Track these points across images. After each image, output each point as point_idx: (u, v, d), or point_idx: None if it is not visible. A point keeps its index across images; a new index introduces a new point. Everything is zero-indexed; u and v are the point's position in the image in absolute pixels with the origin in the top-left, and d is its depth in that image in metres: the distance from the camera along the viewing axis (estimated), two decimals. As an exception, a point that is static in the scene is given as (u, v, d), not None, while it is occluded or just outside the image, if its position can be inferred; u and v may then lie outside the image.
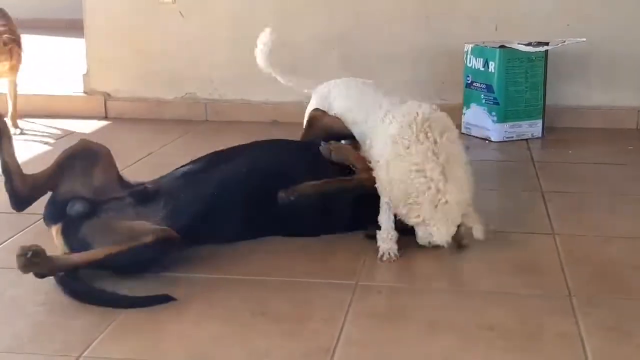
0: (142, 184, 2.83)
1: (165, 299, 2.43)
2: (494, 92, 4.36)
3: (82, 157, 2.81)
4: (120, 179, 2.85)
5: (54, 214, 2.73)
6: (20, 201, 2.75)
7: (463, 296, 2.53)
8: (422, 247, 2.81)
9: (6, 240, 2.98)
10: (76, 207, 2.64)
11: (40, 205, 3.33)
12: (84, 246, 2.56)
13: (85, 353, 2.17)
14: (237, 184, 2.81)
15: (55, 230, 2.69)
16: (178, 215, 2.67)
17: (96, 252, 2.49)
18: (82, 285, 2.48)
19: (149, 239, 2.49)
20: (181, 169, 2.92)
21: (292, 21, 4.76)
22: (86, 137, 4.56)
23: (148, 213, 2.67)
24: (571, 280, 2.59)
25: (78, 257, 2.50)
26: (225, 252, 2.79)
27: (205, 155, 2.97)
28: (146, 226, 2.58)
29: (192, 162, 2.95)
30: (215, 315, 2.39)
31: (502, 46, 4.35)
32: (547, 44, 4.38)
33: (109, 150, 2.88)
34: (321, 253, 2.82)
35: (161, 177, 2.89)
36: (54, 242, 2.67)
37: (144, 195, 2.72)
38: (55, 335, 2.28)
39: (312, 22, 4.80)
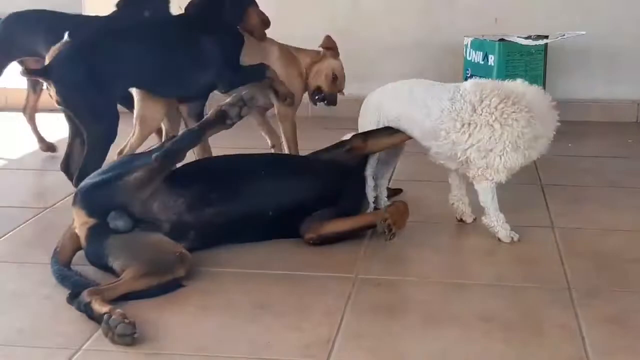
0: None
1: (175, 285, 2.46)
2: (493, 86, 4.35)
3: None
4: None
5: (100, 206, 2.60)
6: None
7: (462, 288, 2.53)
8: (422, 239, 2.84)
9: (7, 234, 2.98)
10: (118, 223, 2.57)
11: (38, 198, 3.35)
12: (100, 255, 2.54)
13: (86, 345, 2.18)
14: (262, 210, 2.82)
15: (81, 218, 2.59)
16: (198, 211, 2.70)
17: (135, 283, 2.42)
18: (83, 279, 2.48)
19: (181, 272, 2.49)
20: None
21: (292, 14, 4.75)
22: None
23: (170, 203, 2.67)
24: (570, 273, 2.60)
25: (124, 288, 2.40)
26: (226, 245, 2.79)
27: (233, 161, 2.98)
28: (170, 249, 2.54)
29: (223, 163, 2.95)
30: (216, 307, 2.40)
31: (501, 39, 4.35)
32: (546, 37, 4.38)
33: None
34: (320, 246, 2.83)
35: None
36: (54, 235, 2.67)
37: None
38: (57, 328, 2.29)
39: (312, 15, 4.80)
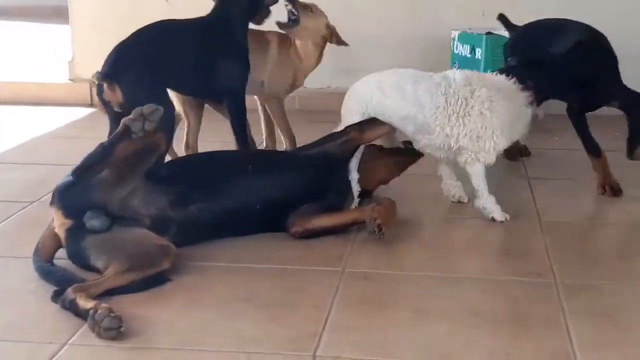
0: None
1: (161, 279, 2.46)
2: (480, 79, 4.36)
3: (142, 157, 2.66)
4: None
5: (76, 206, 2.57)
6: None
7: (449, 282, 2.54)
8: (409, 233, 2.85)
9: (-8, 228, 2.97)
10: (94, 223, 2.54)
11: (25, 192, 3.33)
12: (81, 255, 2.52)
13: (72, 340, 2.17)
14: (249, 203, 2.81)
15: (59, 219, 2.57)
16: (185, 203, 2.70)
17: (120, 278, 2.40)
18: (69, 274, 2.47)
19: (166, 265, 2.48)
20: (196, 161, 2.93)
21: (280, 6, 4.74)
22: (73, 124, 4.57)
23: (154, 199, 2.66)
24: (557, 266, 2.61)
25: (108, 284, 2.39)
26: (212, 240, 2.79)
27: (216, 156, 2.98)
28: (153, 242, 2.53)
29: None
30: (203, 302, 2.39)
31: (489, 33, 4.35)
32: (533, 30, 4.38)
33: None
34: (308, 240, 2.82)
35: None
36: (40, 230, 2.65)
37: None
38: (43, 322, 2.28)
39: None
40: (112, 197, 2.58)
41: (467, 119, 2.92)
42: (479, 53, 4.34)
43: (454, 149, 2.96)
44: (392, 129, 3.08)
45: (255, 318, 2.28)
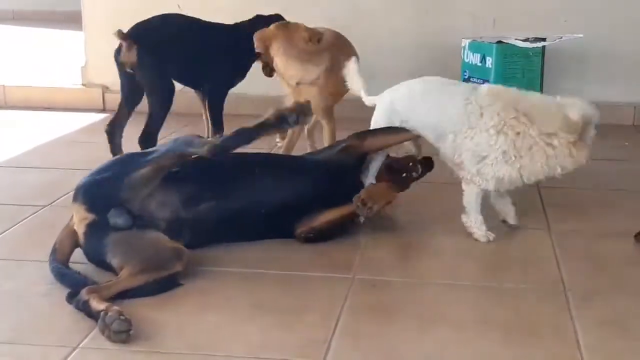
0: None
1: (172, 284, 2.47)
2: (491, 88, 4.36)
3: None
4: None
5: (101, 202, 2.58)
6: None
7: (458, 290, 2.54)
8: (418, 241, 2.87)
9: (4, 231, 2.99)
10: (119, 220, 2.56)
11: (37, 195, 3.35)
12: (99, 251, 2.54)
13: (83, 343, 2.18)
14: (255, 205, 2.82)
15: (81, 213, 2.58)
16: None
17: (133, 280, 2.43)
18: (82, 277, 2.49)
19: (179, 267, 2.51)
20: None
21: (291, 14, 4.75)
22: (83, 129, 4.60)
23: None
24: (566, 275, 2.61)
25: (121, 286, 2.41)
26: (223, 245, 2.80)
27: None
28: (167, 245, 2.55)
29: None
30: (213, 306, 2.40)
31: (499, 41, 4.36)
32: (544, 39, 4.39)
33: None
34: (318, 247, 2.83)
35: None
36: (52, 233, 2.67)
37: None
38: (54, 326, 2.29)
39: (310, 15, 4.80)
40: (136, 196, 2.60)
41: (475, 133, 2.79)
42: (489, 62, 4.35)
43: (456, 161, 2.86)
44: (405, 139, 3.02)
45: (265, 324, 2.29)
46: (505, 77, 4.34)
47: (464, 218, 2.90)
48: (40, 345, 2.19)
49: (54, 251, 2.59)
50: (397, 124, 2.97)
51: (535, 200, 3.35)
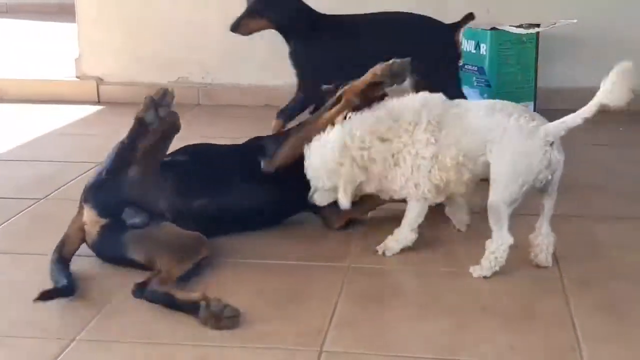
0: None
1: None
2: (485, 75, 4.36)
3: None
4: None
5: (111, 205, 2.57)
6: None
7: (455, 277, 2.55)
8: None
9: (2, 224, 2.98)
10: (135, 220, 2.56)
11: (33, 188, 3.35)
12: (117, 249, 2.53)
13: (80, 336, 2.19)
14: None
15: (92, 217, 2.56)
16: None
17: (177, 269, 2.44)
18: (72, 281, 2.45)
19: (205, 252, 2.54)
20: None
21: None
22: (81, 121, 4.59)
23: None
24: (562, 261, 2.61)
25: (172, 276, 2.42)
26: (221, 236, 2.80)
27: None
28: (185, 234, 2.56)
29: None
30: (210, 296, 2.40)
31: (493, 28, 4.35)
32: (538, 25, 4.38)
33: None
34: (313, 237, 2.84)
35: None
36: (50, 226, 2.67)
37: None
38: (52, 318, 2.30)
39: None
40: (141, 192, 2.60)
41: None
42: (483, 49, 4.35)
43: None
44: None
45: (263, 313, 2.30)
46: (499, 64, 4.34)
47: (395, 230, 2.72)
48: (37, 337, 2.19)
49: (61, 245, 2.56)
50: None
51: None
